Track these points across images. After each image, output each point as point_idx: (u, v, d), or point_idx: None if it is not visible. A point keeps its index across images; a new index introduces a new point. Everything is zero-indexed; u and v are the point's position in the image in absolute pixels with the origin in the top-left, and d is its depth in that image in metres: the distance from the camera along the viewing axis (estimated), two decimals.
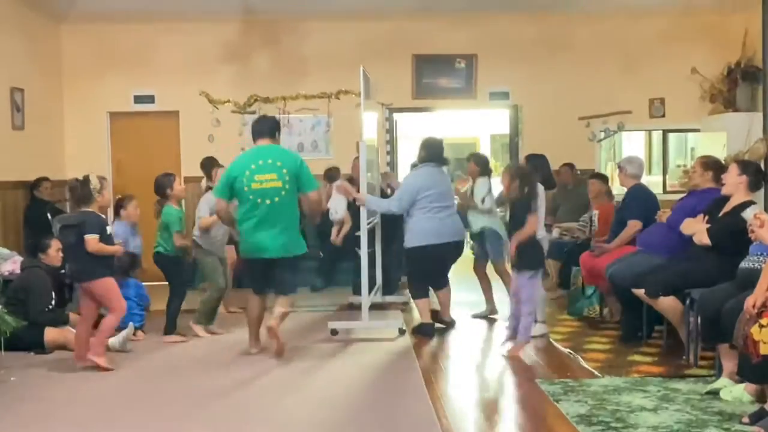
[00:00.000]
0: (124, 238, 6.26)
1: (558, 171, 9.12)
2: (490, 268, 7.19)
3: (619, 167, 6.62)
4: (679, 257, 5.55)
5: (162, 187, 6.40)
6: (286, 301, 5.86)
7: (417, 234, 6.41)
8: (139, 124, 9.81)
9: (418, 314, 6.72)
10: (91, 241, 5.40)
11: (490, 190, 7.02)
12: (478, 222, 7.00)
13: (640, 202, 6.41)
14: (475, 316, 7.18)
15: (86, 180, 5.50)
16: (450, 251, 6.54)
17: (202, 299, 6.58)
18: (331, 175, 8.64)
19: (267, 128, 5.94)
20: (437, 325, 6.59)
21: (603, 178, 7.63)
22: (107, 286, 5.49)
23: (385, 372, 5.38)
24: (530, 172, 5.99)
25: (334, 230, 8.41)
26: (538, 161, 6.94)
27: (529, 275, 5.70)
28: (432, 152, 6.59)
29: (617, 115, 9.66)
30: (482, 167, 7.18)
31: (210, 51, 9.71)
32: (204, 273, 6.69)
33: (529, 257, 5.70)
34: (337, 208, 8.26)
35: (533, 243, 5.73)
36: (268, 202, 5.68)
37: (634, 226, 6.32)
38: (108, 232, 5.57)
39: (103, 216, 5.70)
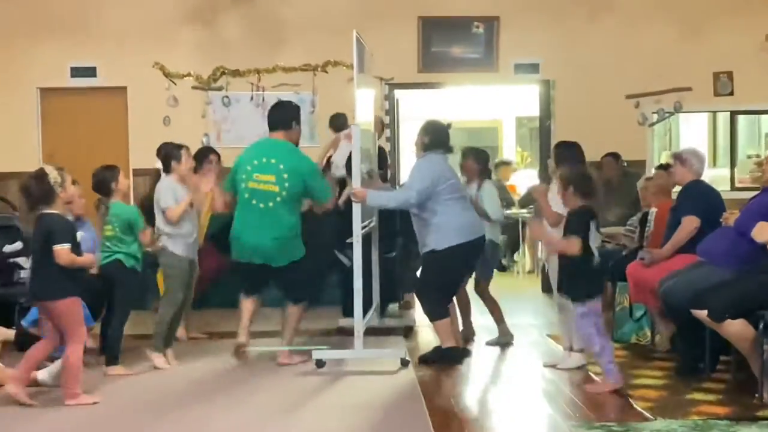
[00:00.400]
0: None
1: (600, 163, 9.14)
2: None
3: (680, 158, 6.62)
4: (750, 270, 5.55)
5: (105, 182, 6.43)
6: (295, 312, 6.55)
7: (451, 231, 6.49)
8: (77, 102, 9.82)
9: (431, 339, 6.75)
10: (62, 252, 5.44)
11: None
12: None
13: (698, 196, 6.46)
14: (489, 344, 7.23)
15: (42, 174, 5.52)
16: (481, 248, 6.79)
17: (157, 319, 6.60)
18: (338, 123, 8.53)
19: (279, 119, 6.55)
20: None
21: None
22: (72, 307, 5.54)
23: (384, 415, 5.36)
24: (586, 176, 5.98)
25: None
26: (568, 152, 6.89)
27: (582, 310, 5.72)
28: (438, 138, 6.70)
29: (674, 92, 9.67)
30: (483, 166, 7.32)
31: (166, 12, 9.72)
32: (165, 281, 6.67)
33: (580, 283, 5.77)
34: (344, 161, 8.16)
35: (585, 264, 5.77)
36: (261, 205, 6.34)
37: (690, 223, 6.36)
38: (78, 239, 5.63)
39: (70, 217, 5.78)
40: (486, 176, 7.40)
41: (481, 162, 7.34)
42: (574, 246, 5.76)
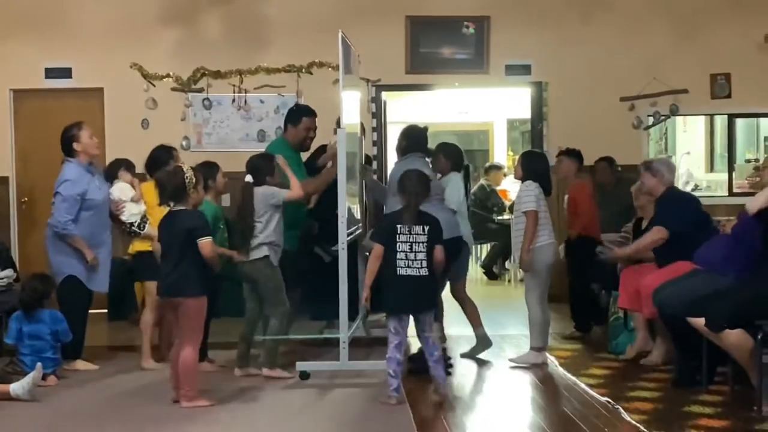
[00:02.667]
0: None
1: (593, 168, 9.16)
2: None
3: (651, 169, 6.81)
4: (749, 279, 5.57)
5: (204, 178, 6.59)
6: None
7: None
8: (52, 104, 9.77)
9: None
10: (207, 244, 5.73)
11: (464, 190, 7.36)
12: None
13: (669, 206, 6.61)
14: (464, 356, 7.24)
15: (179, 171, 5.83)
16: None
17: (270, 333, 6.54)
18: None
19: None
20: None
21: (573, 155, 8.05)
22: (200, 307, 5.81)
23: (370, 428, 5.37)
24: (411, 174, 5.98)
25: None
26: (535, 161, 7.17)
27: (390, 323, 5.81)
28: (415, 141, 7.02)
29: (670, 95, 9.69)
30: (454, 162, 7.33)
31: (144, 11, 9.69)
32: (269, 293, 6.57)
33: (382, 297, 5.85)
34: None
35: (385, 276, 5.79)
36: None
37: (656, 233, 6.53)
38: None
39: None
40: (456, 170, 7.44)
41: (450, 157, 7.34)
42: (373, 253, 5.82)
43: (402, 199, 5.86)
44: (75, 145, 6.92)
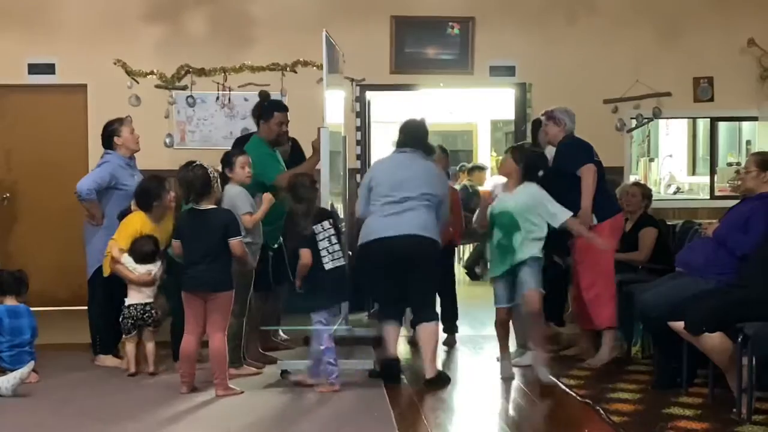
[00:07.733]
0: None
1: None
2: None
3: (553, 118, 6.97)
4: (729, 282, 5.59)
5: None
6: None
7: (362, 232, 6.46)
8: (35, 100, 9.73)
9: (402, 350, 6.80)
10: (239, 245, 5.95)
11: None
12: None
13: (581, 147, 6.89)
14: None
15: (200, 167, 5.92)
16: (396, 251, 6.27)
17: (228, 332, 6.38)
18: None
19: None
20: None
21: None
22: (231, 299, 6.02)
23: (350, 429, 5.34)
24: (300, 181, 6.19)
25: None
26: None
27: (317, 318, 6.13)
28: (408, 136, 6.52)
29: (653, 97, 9.73)
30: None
31: (128, 7, 9.66)
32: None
33: (308, 295, 6.20)
34: None
35: (312, 275, 6.08)
36: None
37: (589, 170, 6.70)
38: None
39: None
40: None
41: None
42: (303, 258, 6.04)
43: (296, 205, 6.13)
44: (116, 140, 7.07)
